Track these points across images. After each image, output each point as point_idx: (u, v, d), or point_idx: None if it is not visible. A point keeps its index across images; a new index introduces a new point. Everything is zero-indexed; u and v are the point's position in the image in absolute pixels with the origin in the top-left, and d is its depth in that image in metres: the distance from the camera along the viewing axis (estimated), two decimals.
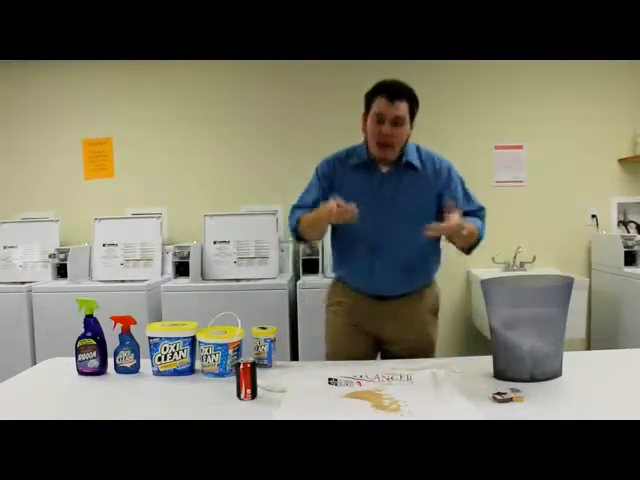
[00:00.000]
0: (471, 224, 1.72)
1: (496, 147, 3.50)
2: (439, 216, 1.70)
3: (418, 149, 1.84)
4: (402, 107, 1.71)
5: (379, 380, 1.51)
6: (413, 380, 1.51)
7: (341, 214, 1.60)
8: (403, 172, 1.79)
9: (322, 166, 1.87)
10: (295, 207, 1.88)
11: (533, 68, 3.39)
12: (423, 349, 1.85)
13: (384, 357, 1.90)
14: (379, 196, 1.77)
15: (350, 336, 1.85)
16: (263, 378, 1.45)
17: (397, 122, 1.71)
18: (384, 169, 1.79)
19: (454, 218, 1.62)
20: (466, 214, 1.77)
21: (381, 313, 1.83)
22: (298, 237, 1.88)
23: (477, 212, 1.87)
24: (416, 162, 1.80)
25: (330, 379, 1.51)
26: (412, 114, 1.75)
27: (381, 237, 1.76)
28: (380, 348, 1.90)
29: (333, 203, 1.61)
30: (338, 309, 1.89)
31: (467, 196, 1.88)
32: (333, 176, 1.83)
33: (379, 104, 1.72)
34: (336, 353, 1.84)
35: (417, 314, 1.86)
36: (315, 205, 1.78)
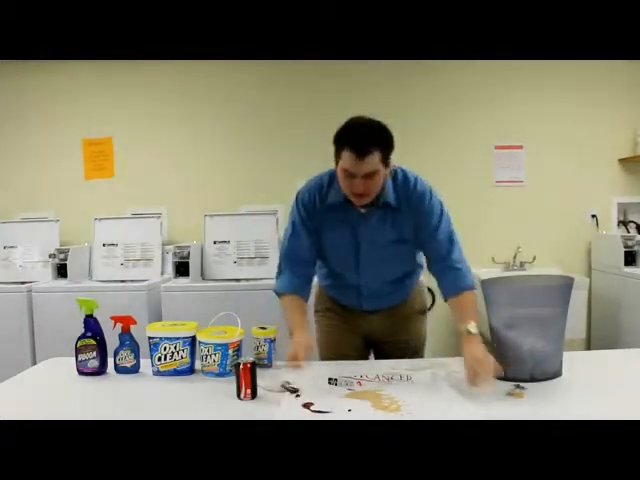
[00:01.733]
0: (465, 299, 1.62)
1: (496, 147, 3.50)
2: (417, 240, 1.69)
3: (395, 179, 1.68)
4: (373, 162, 1.52)
5: (379, 380, 1.51)
6: (413, 380, 1.51)
7: (293, 359, 1.48)
8: (381, 210, 1.67)
9: (301, 204, 1.72)
10: (287, 254, 1.76)
11: (533, 68, 3.39)
12: (414, 346, 1.89)
13: (377, 354, 1.92)
14: (358, 235, 1.70)
15: (341, 337, 1.86)
16: (263, 378, 1.45)
17: (369, 176, 1.54)
18: (361, 209, 1.67)
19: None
20: (446, 264, 1.67)
21: (371, 320, 1.85)
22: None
23: (449, 250, 1.67)
24: (393, 201, 1.66)
25: (330, 379, 1.51)
26: (386, 157, 1.56)
27: (365, 271, 1.74)
28: (373, 347, 1.92)
29: (300, 346, 1.50)
30: (327, 314, 1.90)
31: (439, 223, 1.68)
32: (314, 215, 1.71)
33: (347, 160, 1.53)
34: (329, 354, 1.85)
35: (406, 316, 1.88)
36: (304, 252, 1.72)
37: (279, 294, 1.74)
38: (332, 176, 1.69)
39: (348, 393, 1.42)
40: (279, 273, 1.78)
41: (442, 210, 1.70)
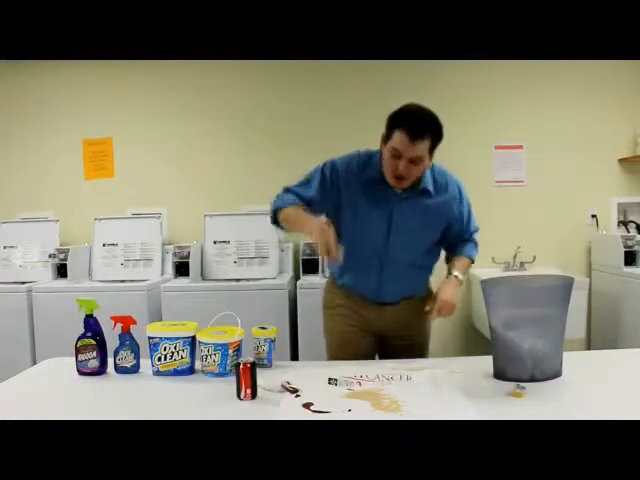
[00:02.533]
0: (463, 260, 1.86)
1: (496, 147, 3.50)
2: (443, 235, 1.83)
3: (432, 169, 1.77)
4: (423, 147, 1.59)
5: (379, 380, 1.51)
6: (413, 380, 1.51)
7: (327, 249, 1.48)
8: (417, 196, 1.73)
9: (331, 169, 1.73)
10: (286, 190, 1.78)
11: (533, 68, 3.39)
12: (420, 343, 1.90)
13: (383, 351, 1.91)
14: (391, 218, 1.72)
15: (353, 337, 1.85)
16: (263, 378, 1.45)
17: (415, 161, 1.61)
18: (399, 191, 1.71)
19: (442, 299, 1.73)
20: (460, 239, 1.88)
21: (383, 315, 1.84)
22: (274, 221, 1.79)
23: (472, 235, 1.91)
24: (430, 187, 1.74)
25: (330, 379, 1.51)
26: (433, 147, 1.64)
27: (390, 254, 1.76)
28: (380, 343, 1.92)
29: (326, 229, 1.50)
30: (340, 311, 1.88)
31: (469, 218, 1.88)
32: (342, 186, 1.72)
33: (398, 140, 1.58)
34: (339, 354, 1.85)
35: (416, 313, 1.86)
36: (309, 203, 1.72)
37: (279, 208, 1.72)
38: (369, 154, 1.75)
39: (348, 393, 1.41)
40: (276, 198, 1.78)
41: (470, 207, 1.87)
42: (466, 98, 3.49)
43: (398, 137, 1.58)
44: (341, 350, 1.85)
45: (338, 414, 1.27)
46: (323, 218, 1.69)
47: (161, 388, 1.52)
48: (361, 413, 1.28)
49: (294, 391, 1.42)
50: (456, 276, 1.79)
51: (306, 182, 1.77)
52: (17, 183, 3.67)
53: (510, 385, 1.41)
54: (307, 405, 1.33)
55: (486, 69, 3.42)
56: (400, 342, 1.86)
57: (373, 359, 1.89)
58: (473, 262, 1.93)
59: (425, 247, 1.81)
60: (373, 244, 1.75)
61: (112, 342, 1.63)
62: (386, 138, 1.63)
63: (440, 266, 1.93)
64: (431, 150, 1.63)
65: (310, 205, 1.72)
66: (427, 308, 1.74)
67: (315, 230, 1.52)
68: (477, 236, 1.93)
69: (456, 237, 1.87)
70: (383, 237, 1.74)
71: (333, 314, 1.90)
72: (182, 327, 1.63)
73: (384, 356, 1.90)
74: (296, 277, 3.19)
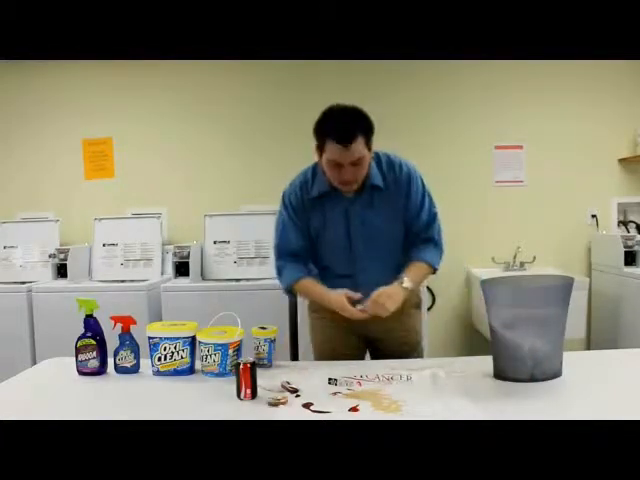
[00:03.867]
0: (419, 266, 1.75)
1: (496, 147, 3.50)
2: (404, 219, 1.77)
3: (379, 162, 1.74)
4: (358, 148, 1.57)
5: (379, 380, 1.51)
6: (413, 380, 1.51)
7: (349, 316, 1.63)
8: (368, 193, 1.73)
9: (290, 200, 1.78)
10: (281, 251, 1.81)
11: (533, 68, 3.39)
12: (410, 342, 1.88)
13: (373, 354, 1.90)
14: (348, 221, 1.74)
15: (338, 337, 1.85)
16: (263, 378, 1.45)
17: (356, 163, 1.60)
18: (348, 194, 1.73)
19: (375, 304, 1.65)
20: (416, 235, 1.79)
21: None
22: (290, 293, 1.85)
23: (429, 227, 1.79)
24: (379, 182, 1.72)
25: (330, 379, 1.51)
26: (369, 141, 1.62)
27: (357, 259, 1.77)
28: (369, 346, 1.90)
29: (344, 304, 1.62)
30: (322, 314, 1.87)
31: (423, 204, 1.77)
32: (302, 209, 1.76)
33: (332, 150, 1.58)
34: (325, 353, 1.84)
35: (400, 311, 1.79)
36: (297, 247, 1.77)
37: (290, 286, 1.78)
38: (314, 169, 1.76)
39: (348, 393, 1.42)
40: (279, 272, 1.81)
41: (425, 190, 1.78)
42: (466, 98, 3.49)
43: (331, 147, 1.58)
44: (326, 349, 1.85)
45: (338, 414, 1.27)
46: (339, 292, 1.70)
47: (161, 388, 1.52)
48: (361, 413, 1.28)
49: (294, 391, 1.42)
50: (401, 282, 1.68)
51: (284, 227, 1.80)
52: (17, 183, 3.67)
53: (510, 385, 1.41)
54: (307, 405, 1.33)
55: (486, 69, 3.42)
56: (388, 343, 1.84)
57: (362, 358, 1.88)
58: (435, 271, 1.80)
59: (392, 242, 1.78)
60: (341, 249, 1.77)
61: (112, 342, 1.63)
62: (319, 149, 1.64)
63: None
64: (368, 145, 1.62)
65: (299, 249, 1.78)
66: (360, 306, 1.67)
67: (336, 307, 1.66)
68: (437, 231, 1.80)
69: (411, 228, 1.78)
70: (346, 241, 1.75)
71: (318, 317, 1.90)
72: (182, 327, 1.63)
73: (375, 357, 1.89)
74: None
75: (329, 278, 1.83)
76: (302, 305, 2.92)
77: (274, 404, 1.33)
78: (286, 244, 1.79)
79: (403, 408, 1.30)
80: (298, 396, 1.39)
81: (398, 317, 1.81)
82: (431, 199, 1.80)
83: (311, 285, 1.77)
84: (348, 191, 1.70)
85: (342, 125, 1.57)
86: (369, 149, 1.63)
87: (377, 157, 1.74)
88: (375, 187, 1.72)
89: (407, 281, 1.69)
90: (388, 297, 1.64)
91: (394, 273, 1.75)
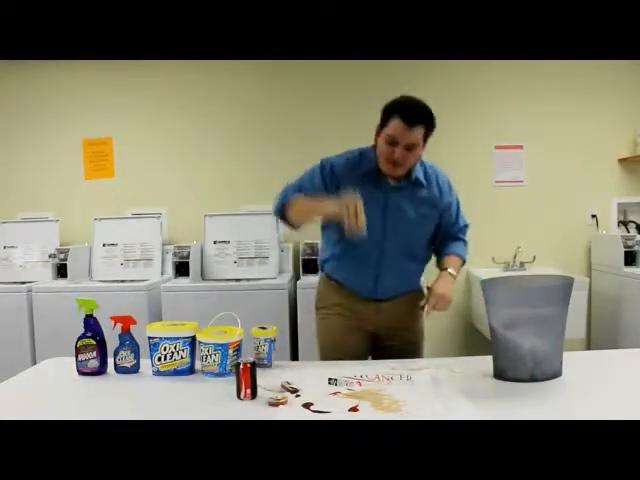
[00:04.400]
0: (454, 258, 1.86)
1: (496, 147, 3.50)
2: (436, 230, 1.87)
3: (422, 163, 1.82)
4: (418, 133, 1.67)
5: (379, 380, 1.51)
6: (413, 380, 1.51)
7: (353, 222, 1.52)
8: (410, 187, 1.79)
9: (330, 166, 1.78)
10: (289, 188, 1.81)
11: (533, 68, 3.39)
12: (414, 341, 1.91)
13: (377, 352, 1.90)
14: (386, 209, 1.76)
15: (347, 336, 1.85)
16: (263, 378, 1.45)
17: (410, 147, 1.68)
18: (392, 182, 1.77)
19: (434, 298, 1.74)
20: (450, 235, 1.90)
21: (378, 311, 1.85)
22: (282, 217, 1.80)
23: (462, 230, 1.93)
24: (422, 178, 1.80)
25: (330, 379, 1.51)
26: (426, 136, 1.71)
27: (386, 248, 1.78)
28: (374, 343, 1.91)
29: (353, 201, 1.52)
30: (336, 310, 1.88)
31: (458, 212, 1.91)
32: (340, 182, 1.75)
33: (394, 127, 1.66)
34: (332, 354, 1.84)
35: (411, 311, 1.87)
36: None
37: (283, 203, 1.76)
38: (362, 150, 1.81)
39: (348, 393, 1.41)
40: (281, 194, 1.81)
41: (459, 200, 1.91)
42: (466, 98, 3.49)
43: (394, 124, 1.65)
44: (335, 350, 1.85)
45: (338, 414, 1.27)
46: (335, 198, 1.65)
47: (161, 388, 1.52)
48: (361, 413, 1.28)
49: (294, 391, 1.42)
50: (450, 272, 1.81)
51: (308, 179, 1.80)
52: (17, 183, 3.67)
53: (510, 385, 1.41)
54: (307, 405, 1.33)
55: (486, 69, 3.42)
56: (394, 342, 1.86)
57: (366, 359, 1.88)
58: (464, 263, 1.93)
59: (421, 239, 1.85)
60: (370, 236, 1.69)
61: (112, 342, 1.63)
62: (381, 127, 1.71)
63: (431, 267, 1.94)
64: (425, 139, 1.70)
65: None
66: (422, 303, 1.76)
67: (341, 203, 1.55)
68: (467, 235, 1.94)
69: (446, 231, 1.89)
70: (380, 229, 1.75)
71: (329, 313, 1.89)
72: (182, 327, 1.63)
73: (377, 357, 1.89)
74: (296, 277, 3.19)
75: (350, 264, 1.83)
76: (302, 305, 2.93)
77: (274, 404, 1.33)
78: (307, 185, 1.78)
79: (403, 408, 1.30)
80: (298, 396, 1.39)
81: (406, 316, 1.87)
82: (461, 207, 1.93)
83: (303, 197, 1.73)
84: (392, 174, 1.74)
85: (412, 108, 1.68)
86: (424, 143, 1.71)
87: (421, 161, 1.81)
88: (418, 182, 1.79)
89: (453, 269, 1.81)
90: (444, 288, 1.76)
91: (415, 267, 1.88)
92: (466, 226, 1.94)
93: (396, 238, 1.77)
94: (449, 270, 1.81)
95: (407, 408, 1.29)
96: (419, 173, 1.79)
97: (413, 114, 1.66)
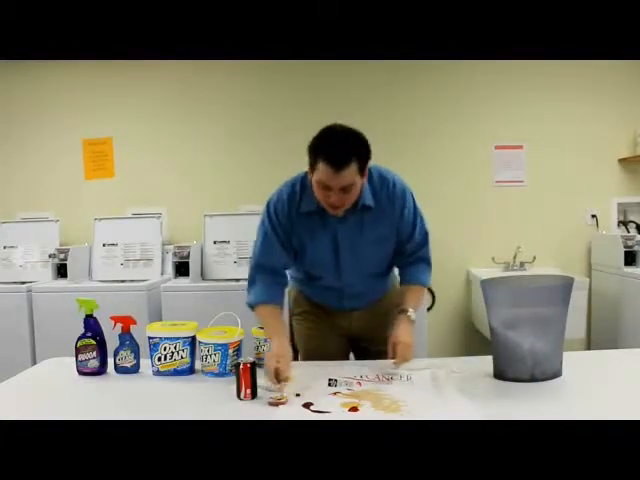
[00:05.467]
0: (415, 289, 1.73)
1: (496, 147, 3.50)
2: (397, 239, 1.71)
3: (370, 177, 1.63)
4: (349, 174, 1.48)
5: (379, 380, 1.51)
6: (413, 380, 1.51)
7: (272, 381, 1.44)
8: (358, 214, 1.64)
9: (277, 211, 1.68)
10: (257, 265, 1.72)
11: (533, 68, 3.39)
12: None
13: (359, 354, 1.88)
14: (336, 243, 1.67)
15: (321, 338, 1.84)
16: (263, 378, 1.45)
17: (346, 189, 1.51)
18: (338, 214, 1.63)
19: (399, 347, 1.58)
20: (408, 254, 1.74)
21: (350, 318, 1.83)
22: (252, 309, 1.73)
23: (421, 245, 1.74)
24: (370, 202, 1.63)
25: (330, 379, 1.51)
26: (362, 169, 1.53)
27: (346, 272, 1.71)
28: (353, 345, 1.89)
29: (272, 362, 1.44)
30: (305, 316, 1.88)
31: (415, 221, 1.71)
32: (288, 222, 1.66)
33: (322, 172, 1.48)
34: (310, 356, 1.83)
35: (385, 311, 1.80)
36: (276, 263, 1.69)
37: (252, 305, 1.69)
38: (303, 182, 1.65)
39: (348, 393, 1.42)
40: (250, 284, 1.73)
41: (417, 209, 1.71)
42: (466, 98, 3.49)
43: (321, 169, 1.48)
44: (311, 352, 1.84)
45: (338, 414, 1.27)
46: (280, 345, 1.56)
47: (161, 388, 1.52)
48: (361, 413, 1.28)
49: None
50: (409, 315, 1.66)
51: (263, 239, 1.71)
52: (17, 183, 3.67)
53: (510, 385, 1.41)
54: (307, 405, 1.33)
55: (486, 69, 3.42)
56: (373, 347, 1.80)
57: (347, 358, 1.88)
58: (428, 288, 1.85)
59: (379, 259, 1.75)
60: (327, 266, 1.71)
61: (112, 342, 1.63)
62: (311, 169, 1.55)
63: None
64: (361, 172, 1.52)
65: (278, 266, 1.71)
66: (392, 361, 1.60)
67: (267, 358, 1.51)
68: (429, 246, 1.76)
69: (404, 248, 1.73)
70: (334, 260, 1.69)
71: (299, 319, 1.89)
72: (182, 327, 1.63)
73: (359, 357, 1.88)
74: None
75: (312, 287, 1.83)
76: None
77: (274, 404, 1.33)
78: (264, 259, 1.71)
79: (403, 408, 1.30)
80: (298, 395, 1.39)
81: (380, 316, 1.80)
82: (422, 218, 1.73)
83: (268, 315, 1.67)
84: (335, 214, 1.61)
85: (337, 148, 1.49)
86: (362, 175, 1.54)
87: (370, 173, 1.63)
88: (365, 207, 1.63)
89: (411, 310, 1.67)
90: (406, 336, 1.60)
91: (379, 281, 1.80)
92: (426, 235, 1.74)
93: (353, 266, 1.70)
94: (408, 313, 1.66)
95: (407, 408, 1.30)
96: (366, 198, 1.62)
97: (339, 156, 1.46)
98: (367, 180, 1.61)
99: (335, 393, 1.42)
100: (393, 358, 1.59)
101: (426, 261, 1.76)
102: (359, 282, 1.75)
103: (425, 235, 1.74)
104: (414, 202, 1.71)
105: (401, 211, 1.67)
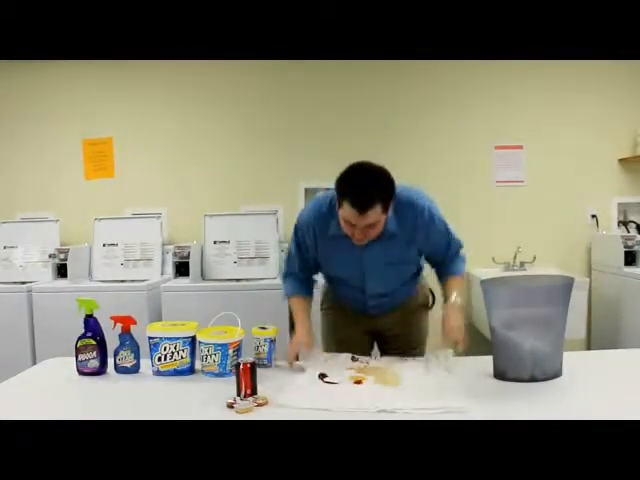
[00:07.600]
0: (456, 279, 1.78)
1: (496, 147, 3.50)
2: (426, 254, 1.80)
3: (397, 205, 1.61)
4: (373, 215, 1.50)
5: (394, 361, 1.66)
6: (429, 364, 1.61)
7: (290, 359, 1.66)
8: (383, 240, 1.65)
9: (303, 231, 1.76)
10: (288, 265, 1.88)
11: (533, 68, 3.39)
12: (417, 340, 1.93)
13: (380, 343, 1.96)
14: (362, 263, 1.72)
15: (347, 332, 1.89)
16: (264, 378, 1.45)
17: (370, 227, 1.55)
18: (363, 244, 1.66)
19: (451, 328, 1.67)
20: (445, 258, 1.81)
21: (375, 321, 1.89)
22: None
23: (456, 253, 1.81)
24: (395, 229, 1.65)
25: (354, 356, 1.69)
26: (387, 207, 1.55)
27: (371, 286, 1.78)
28: (377, 341, 1.96)
29: (294, 347, 1.67)
30: (333, 311, 1.95)
31: (449, 240, 1.76)
32: (313, 242, 1.74)
33: (347, 211, 1.51)
34: (333, 348, 1.87)
35: (410, 311, 1.91)
36: (303, 272, 1.84)
37: (287, 296, 1.86)
38: (332, 203, 1.66)
39: (361, 367, 1.59)
40: (285, 277, 1.89)
41: (447, 226, 1.75)
42: (467, 98, 3.49)
43: (346, 208, 1.51)
44: (335, 344, 1.88)
45: (344, 385, 1.46)
46: (306, 332, 1.74)
47: (161, 388, 1.52)
48: (364, 386, 1.46)
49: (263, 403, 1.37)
50: (454, 302, 1.71)
51: (294, 251, 1.83)
52: (17, 183, 3.67)
53: (510, 385, 1.41)
54: (322, 375, 1.53)
55: (486, 69, 3.41)
56: (396, 339, 1.90)
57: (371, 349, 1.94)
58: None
59: (405, 272, 1.82)
60: (353, 280, 1.79)
61: (112, 342, 1.63)
62: (338, 203, 1.57)
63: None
64: (385, 210, 1.54)
65: (302, 271, 1.85)
66: (447, 343, 1.67)
67: (291, 343, 1.72)
68: (463, 250, 1.83)
69: (440, 258, 1.80)
70: (360, 278, 1.76)
71: (326, 312, 1.97)
72: (182, 327, 1.63)
73: (381, 348, 1.94)
74: None
75: (339, 292, 1.91)
76: None
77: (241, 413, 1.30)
78: (293, 262, 1.85)
79: (403, 382, 1.43)
80: (324, 375, 1.52)
81: (407, 315, 1.89)
82: (452, 233, 1.77)
83: (297, 307, 1.81)
84: (360, 245, 1.63)
85: (361, 190, 1.50)
86: (386, 211, 1.55)
87: (395, 196, 1.59)
88: (389, 233, 1.64)
89: (458, 296, 1.72)
90: (458, 321, 1.68)
91: (404, 288, 1.85)
92: (459, 245, 1.80)
93: (377, 281, 1.77)
94: (455, 299, 1.71)
95: (407, 383, 1.43)
96: (390, 226, 1.63)
97: (364, 200, 1.49)
98: (392, 207, 1.60)
99: (350, 368, 1.59)
100: (461, 343, 1.66)
101: (460, 257, 1.83)
102: (382, 291, 1.81)
103: (458, 243, 1.80)
104: (444, 223, 1.74)
105: (429, 235, 1.70)
